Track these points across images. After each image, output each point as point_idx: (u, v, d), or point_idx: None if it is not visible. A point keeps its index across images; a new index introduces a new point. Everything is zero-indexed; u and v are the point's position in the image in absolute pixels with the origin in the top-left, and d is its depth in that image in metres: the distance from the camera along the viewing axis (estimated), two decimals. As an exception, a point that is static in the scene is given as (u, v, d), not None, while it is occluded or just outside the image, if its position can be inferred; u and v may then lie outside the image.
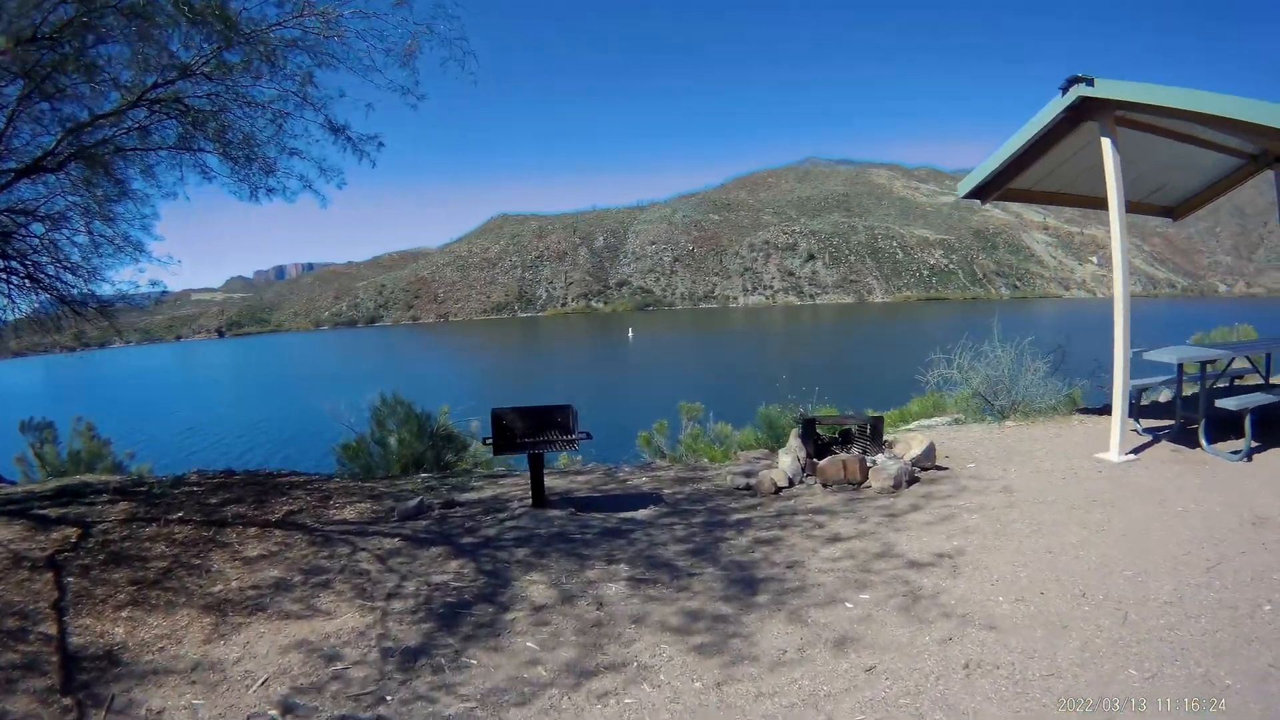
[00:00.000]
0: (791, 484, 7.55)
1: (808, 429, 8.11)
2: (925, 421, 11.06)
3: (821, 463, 7.54)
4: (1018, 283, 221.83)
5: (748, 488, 7.60)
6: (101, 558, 6.34)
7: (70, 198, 9.80)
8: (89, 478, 10.38)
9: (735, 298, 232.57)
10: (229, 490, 8.37)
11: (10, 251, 10.11)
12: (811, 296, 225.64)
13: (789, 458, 7.95)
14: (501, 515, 7.00)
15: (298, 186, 8.95)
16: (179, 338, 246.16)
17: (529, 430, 7.18)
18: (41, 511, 8.03)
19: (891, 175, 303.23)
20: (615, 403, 40.55)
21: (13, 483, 11.23)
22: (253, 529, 6.88)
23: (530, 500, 7.18)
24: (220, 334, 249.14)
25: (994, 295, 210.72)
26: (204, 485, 8.86)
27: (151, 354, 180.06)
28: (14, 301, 10.47)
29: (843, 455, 7.60)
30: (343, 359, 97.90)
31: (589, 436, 7.00)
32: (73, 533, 7.11)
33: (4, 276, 10.29)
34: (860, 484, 7.15)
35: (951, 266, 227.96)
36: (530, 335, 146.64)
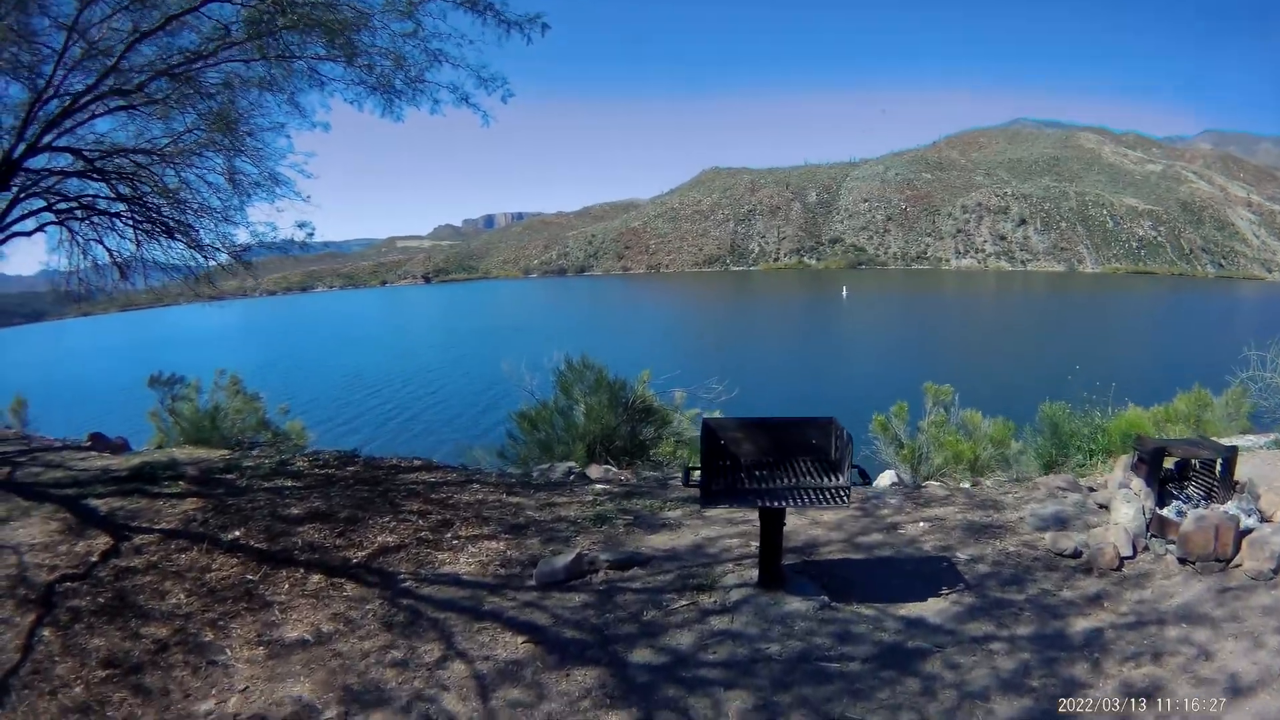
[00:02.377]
0: (1134, 551, 4.87)
1: (1155, 461, 5.09)
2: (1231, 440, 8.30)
3: (1185, 527, 4.70)
4: (1222, 260, 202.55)
5: (1076, 555, 4.85)
6: (104, 599, 4.49)
7: (196, 134, 8.77)
8: (185, 453, 8.76)
9: (947, 260, 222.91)
10: (328, 492, 6.22)
11: (128, 193, 9.35)
12: (1023, 263, 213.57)
13: (1129, 508, 5.07)
14: (706, 599, 4.20)
15: (450, 98, 7.32)
16: (384, 283, 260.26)
17: (764, 457, 4.31)
18: (96, 502, 6.46)
19: (1100, 140, 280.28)
20: (836, 372, 36.44)
21: (118, 448, 9.81)
22: (317, 575, 4.56)
23: (756, 575, 4.24)
24: (426, 280, 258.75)
25: (1199, 273, 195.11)
26: (304, 478, 6.80)
27: (350, 299, 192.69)
28: (141, 247, 9.93)
29: (1213, 517, 4.67)
30: (544, 308, 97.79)
31: (866, 480, 4.05)
32: (101, 544, 5.36)
33: (131, 221, 9.67)
34: (1229, 561, 4.59)
35: (1159, 239, 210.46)
36: (743, 290, 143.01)
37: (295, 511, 5.65)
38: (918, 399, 9.97)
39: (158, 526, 5.66)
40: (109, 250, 10.72)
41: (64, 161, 9.65)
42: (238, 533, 5.27)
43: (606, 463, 8.51)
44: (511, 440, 9.59)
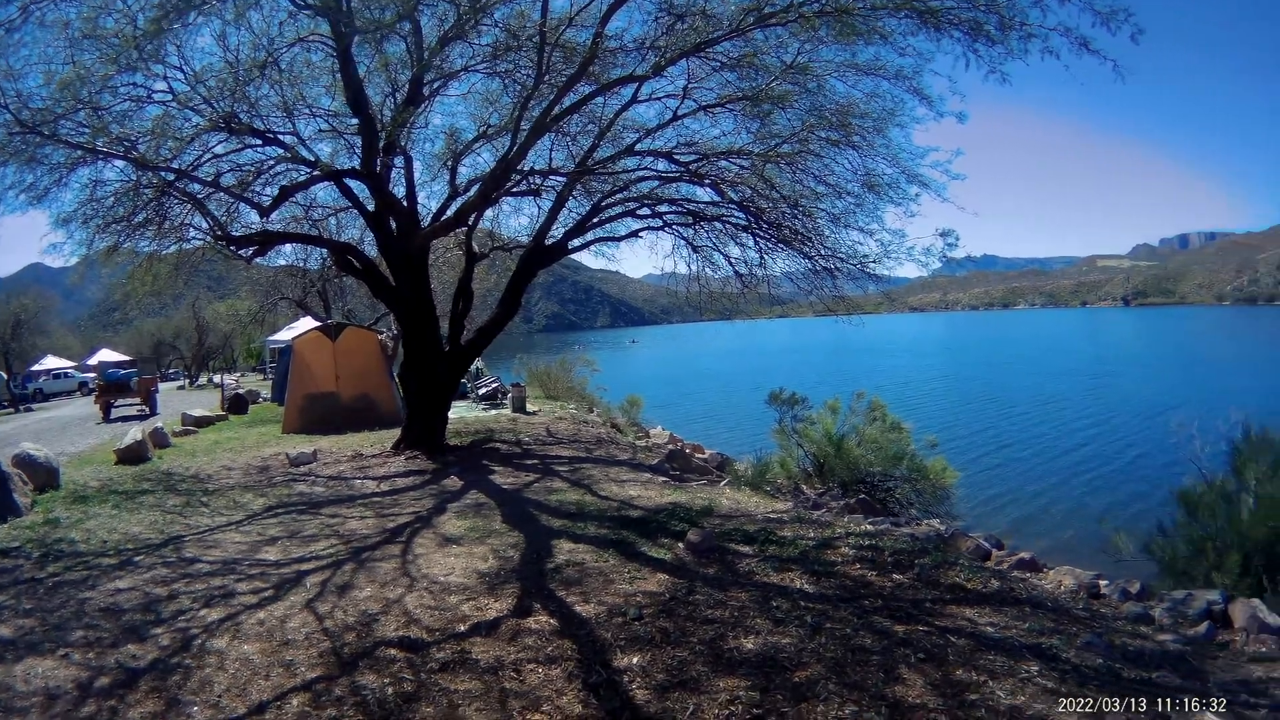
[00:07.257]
0: None
1: None
2: None
3: None
4: None
5: None
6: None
7: (814, 134, 9.27)
8: (733, 499, 8.13)
9: None
10: (827, 617, 4.44)
11: (735, 198, 10.03)
12: None
13: None
14: None
15: (1064, 44, 6.41)
16: (1084, 303, 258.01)
17: None
18: (565, 546, 6.05)
19: None
20: None
21: (698, 469, 9.22)
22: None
23: None
24: (1125, 303, 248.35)
25: None
26: (826, 579, 5.19)
27: (1049, 318, 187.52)
28: (764, 257, 10.81)
29: None
30: (1227, 345, 73.76)
31: None
32: (497, 609, 4.64)
33: (757, 232, 10.42)
34: None
35: None
36: None
37: (747, 645, 3.91)
38: None
39: (569, 608, 4.56)
40: (727, 258, 10.45)
41: (659, 168, 9.70)
42: (635, 659, 3.76)
43: (1262, 588, 6.16)
44: (1161, 536, 7.46)
